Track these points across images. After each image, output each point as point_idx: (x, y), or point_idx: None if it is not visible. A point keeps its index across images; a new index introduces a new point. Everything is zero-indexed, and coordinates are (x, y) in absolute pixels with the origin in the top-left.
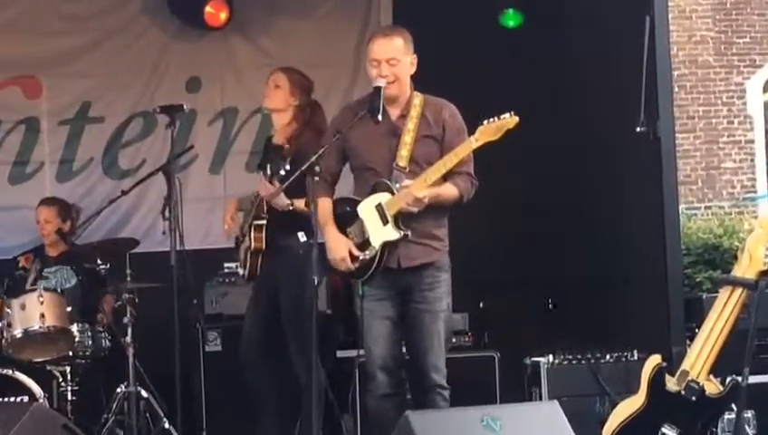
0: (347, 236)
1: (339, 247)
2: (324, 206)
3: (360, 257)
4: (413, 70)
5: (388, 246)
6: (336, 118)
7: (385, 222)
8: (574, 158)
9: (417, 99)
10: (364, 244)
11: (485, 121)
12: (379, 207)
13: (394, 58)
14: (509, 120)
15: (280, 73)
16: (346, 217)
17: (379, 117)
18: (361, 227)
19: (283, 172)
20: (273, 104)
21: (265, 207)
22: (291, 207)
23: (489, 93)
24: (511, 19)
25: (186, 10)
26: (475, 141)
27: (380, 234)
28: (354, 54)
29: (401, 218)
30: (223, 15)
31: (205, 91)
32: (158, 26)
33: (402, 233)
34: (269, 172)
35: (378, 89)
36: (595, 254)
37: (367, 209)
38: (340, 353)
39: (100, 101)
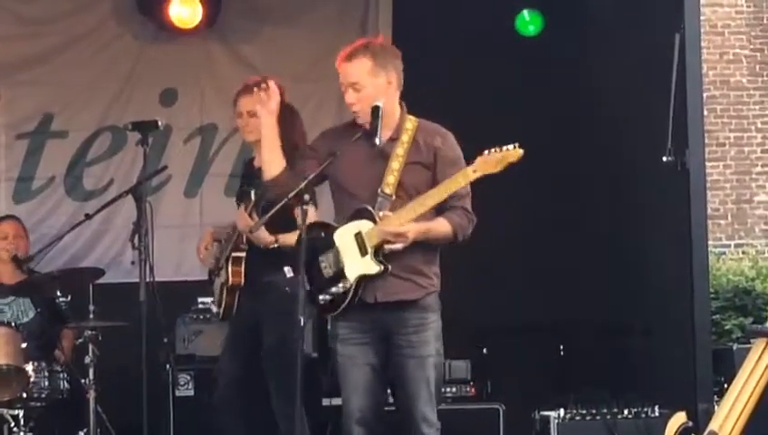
0: (319, 265)
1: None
2: None
3: (333, 290)
4: (392, 89)
5: (364, 280)
6: (325, 139)
7: (363, 253)
8: (591, 190)
9: (410, 123)
10: (338, 276)
11: (486, 151)
12: (359, 237)
13: (357, 83)
14: (512, 152)
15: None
16: (320, 245)
17: (377, 140)
18: (337, 257)
19: (264, 202)
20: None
21: (245, 238)
22: (275, 245)
23: (496, 115)
24: (530, 24)
25: (154, 9)
26: (473, 173)
27: (357, 266)
28: None
29: (382, 251)
30: (196, 12)
31: (181, 104)
32: (130, 32)
33: (382, 267)
34: (251, 198)
35: (376, 108)
36: (613, 297)
37: (344, 238)
38: (325, 402)
39: (64, 113)
